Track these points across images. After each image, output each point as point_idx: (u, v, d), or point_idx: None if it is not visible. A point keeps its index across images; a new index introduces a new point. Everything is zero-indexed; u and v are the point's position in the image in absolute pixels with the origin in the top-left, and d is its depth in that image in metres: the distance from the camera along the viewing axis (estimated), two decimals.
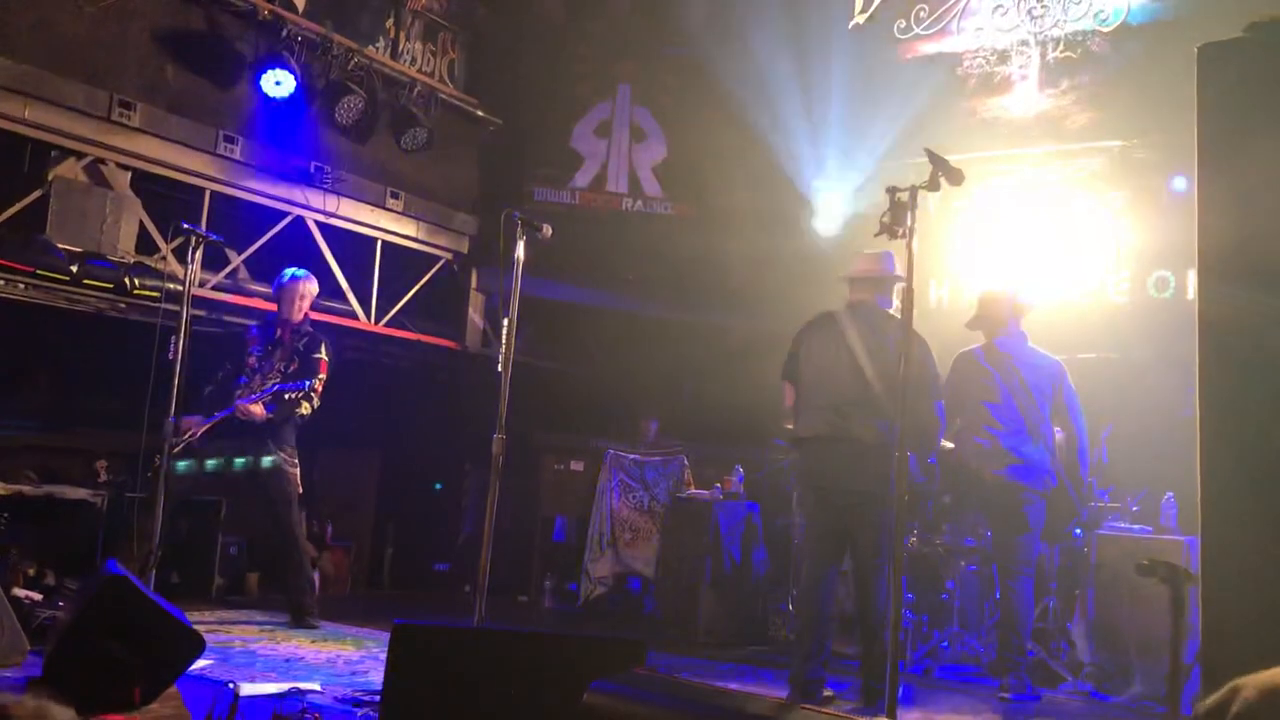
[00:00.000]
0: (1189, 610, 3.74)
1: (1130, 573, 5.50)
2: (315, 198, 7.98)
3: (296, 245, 7.89)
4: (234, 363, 6.28)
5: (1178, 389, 6.04)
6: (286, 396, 5.97)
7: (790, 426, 5.36)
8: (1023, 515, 5.58)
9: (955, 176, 3.89)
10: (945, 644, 6.20)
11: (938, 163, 3.88)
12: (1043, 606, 6.04)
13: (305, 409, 6.10)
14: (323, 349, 6.26)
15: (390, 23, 8.44)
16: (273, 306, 6.49)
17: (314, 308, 6.59)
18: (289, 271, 6.41)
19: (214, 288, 7.36)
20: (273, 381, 6.07)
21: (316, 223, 8.09)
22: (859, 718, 4.55)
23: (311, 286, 6.42)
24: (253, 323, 6.65)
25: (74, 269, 6.49)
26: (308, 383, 6.00)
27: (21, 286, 6.39)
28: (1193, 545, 5.36)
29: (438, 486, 9.20)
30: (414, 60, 8.66)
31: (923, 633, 6.27)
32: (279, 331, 6.31)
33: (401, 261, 8.84)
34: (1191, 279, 7.30)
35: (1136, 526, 5.93)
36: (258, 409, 6.01)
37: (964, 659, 6.16)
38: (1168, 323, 6.98)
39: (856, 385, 5.06)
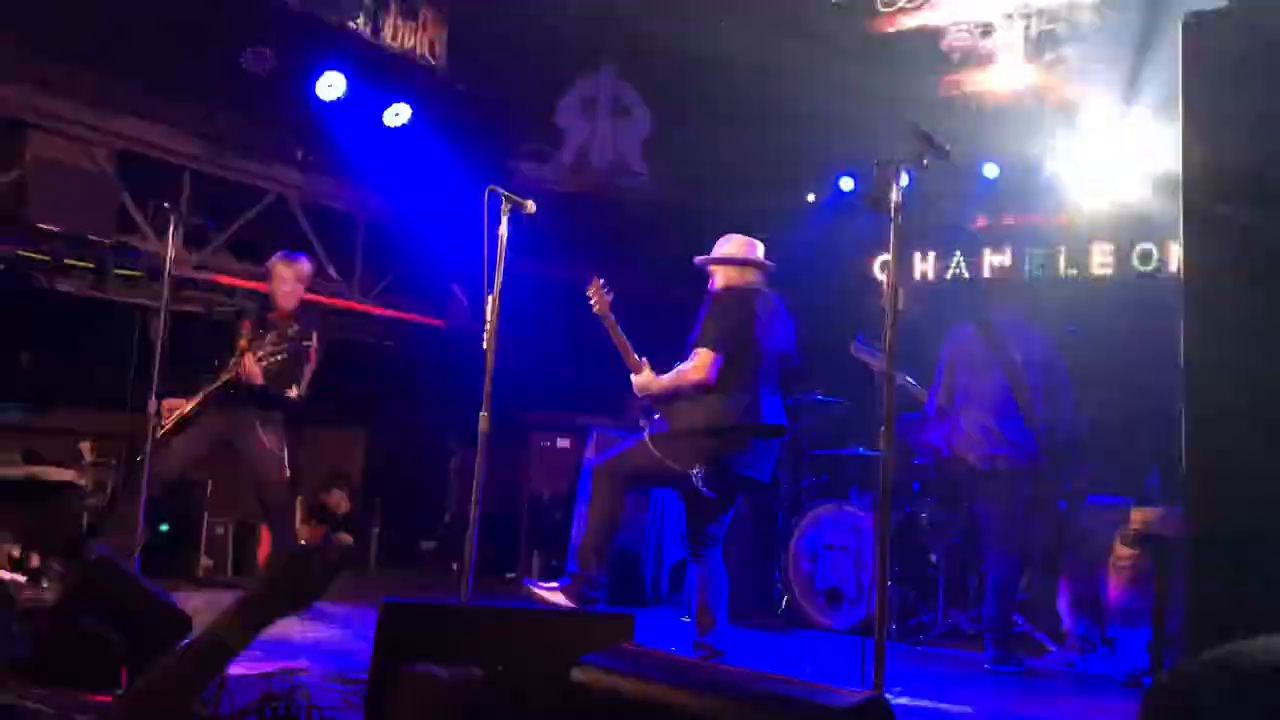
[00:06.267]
0: (1172, 580, 3.77)
1: (1114, 543, 5.59)
2: (296, 176, 7.92)
3: (279, 224, 7.84)
4: (229, 348, 6.24)
5: (1161, 361, 6.08)
6: (278, 357, 5.89)
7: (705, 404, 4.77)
8: (1010, 490, 5.61)
9: (941, 151, 3.88)
10: (929, 617, 6.24)
11: (923, 137, 3.87)
12: (1027, 578, 6.08)
13: (294, 392, 6.07)
14: (313, 338, 6.21)
15: None
16: (254, 284, 6.45)
17: None
18: (276, 256, 6.36)
19: (195, 267, 7.31)
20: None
21: (298, 201, 8.03)
22: (846, 689, 4.57)
23: (289, 270, 6.30)
24: (248, 307, 6.60)
25: (54, 249, 6.43)
26: (296, 345, 5.93)
27: (2, 267, 6.34)
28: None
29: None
30: (395, 36, 8.57)
31: (908, 605, 6.31)
32: (270, 316, 6.27)
33: (385, 239, 8.79)
34: (1174, 251, 7.35)
35: (1120, 498, 5.96)
36: (256, 371, 5.90)
37: (949, 631, 6.21)
38: (1151, 295, 7.02)
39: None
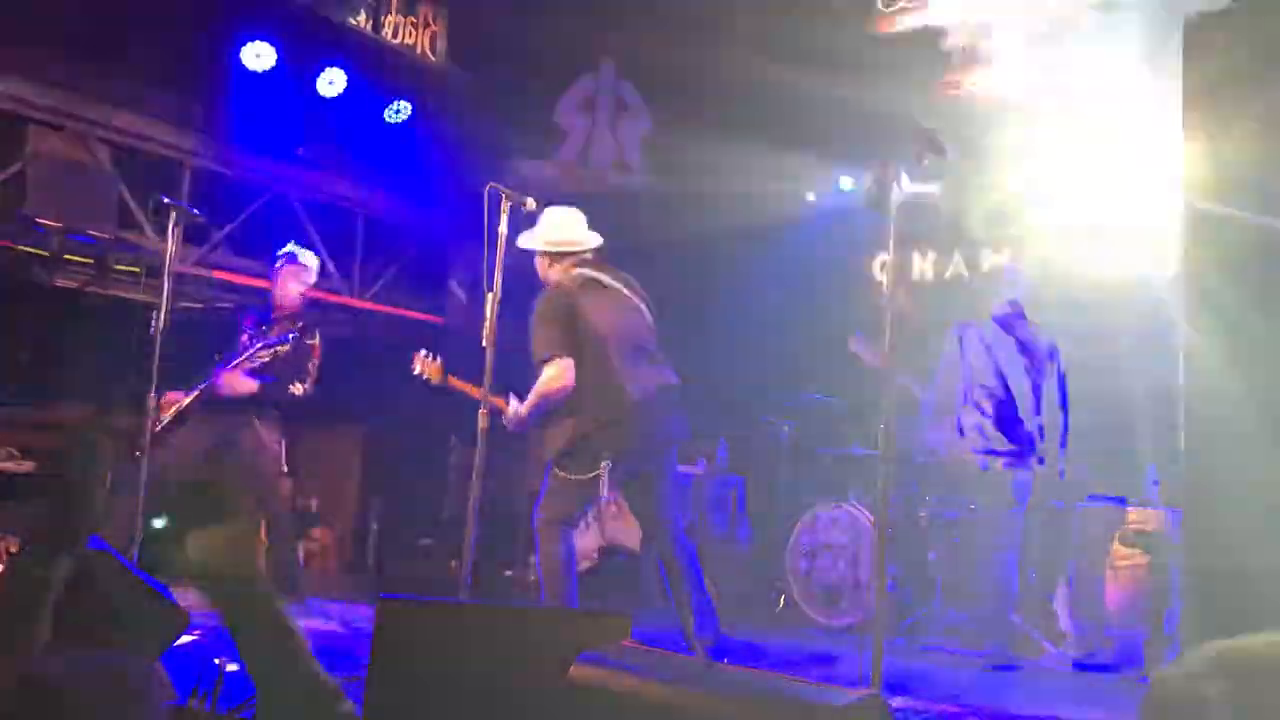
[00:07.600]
0: (1169, 580, 3.78)
1: (1112, 544, 5.59)
2: (296, 172, 7.91)
3: (279, 220, 7.84)
4: (230, 344, 6.23)
5: (1160, 362, 6.09)
6: (271, 354, 5.84)
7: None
8: (1008, 490, 5.61)
9: (939, 149, 3.89)
10: (928, 616, 6.24)
11: (923, 136, 3.87)
12: (1024, 578, 6.08)
13: (298, 389, 6.05)
14: (316, 334, 6.19)
15: None
16: (254, 281, 6.44)
17: None
18: (277, 256, 6.34)
19: (195, 263, 7.31)
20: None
21: (298, 197, 8.03)
22: (844, 687, 4.56)
23: (290, 271, 6.27)
24: (251, 304, 6.59)
25: (54, 244, 6.42)
26: (291, 335, 5.89)
27: (1, 262, 6.34)
28: (1173, 517, 5.40)
29: None
30: (395, 33, 8.57)
31: (906, 604, 6.31)
32: (273, 314, 6.26)
33: (384, 236, 8.79)
34: (1175, 251, 7.35)
35: (1118, 498, 5.96)
36: (239, 380, 5.86)
37: (947, 630, 6.21)
38: (1151, 297, 7.01)
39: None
